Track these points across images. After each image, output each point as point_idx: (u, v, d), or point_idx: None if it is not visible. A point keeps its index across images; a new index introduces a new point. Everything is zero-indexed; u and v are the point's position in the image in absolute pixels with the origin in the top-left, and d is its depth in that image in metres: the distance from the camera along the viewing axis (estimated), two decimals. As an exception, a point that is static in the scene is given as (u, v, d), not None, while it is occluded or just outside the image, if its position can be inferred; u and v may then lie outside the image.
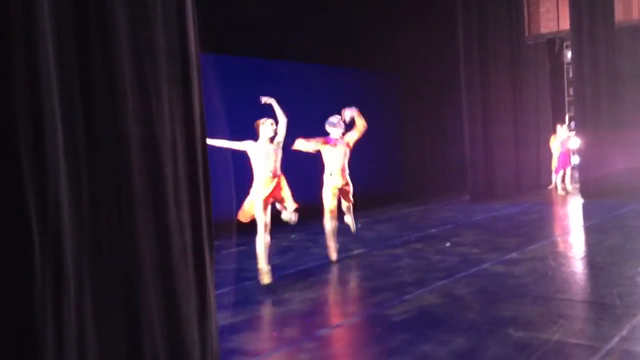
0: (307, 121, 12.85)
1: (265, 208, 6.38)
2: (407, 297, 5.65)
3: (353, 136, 7.63)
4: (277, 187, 6.45)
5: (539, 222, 10.03)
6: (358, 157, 14.21)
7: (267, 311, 5.43)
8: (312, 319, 5.14)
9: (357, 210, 11.86)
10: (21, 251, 2.09)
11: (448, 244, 8.08)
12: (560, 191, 13.65)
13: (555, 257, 7.16)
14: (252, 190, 6.45)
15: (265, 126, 6.58)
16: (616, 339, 4.23)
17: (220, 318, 4.74)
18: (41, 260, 2.12)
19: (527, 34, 14.32)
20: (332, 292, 5.98)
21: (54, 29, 2.32)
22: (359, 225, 10.34)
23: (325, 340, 4.60)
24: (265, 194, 6.35)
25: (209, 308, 2.88)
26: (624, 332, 4.34)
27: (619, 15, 13.07)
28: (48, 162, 2.22)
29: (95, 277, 2.43)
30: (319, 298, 5.79)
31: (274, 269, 7.19)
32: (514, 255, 7.16)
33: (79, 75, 2.41)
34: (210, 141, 5.41)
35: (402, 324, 4.88)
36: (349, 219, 7.81)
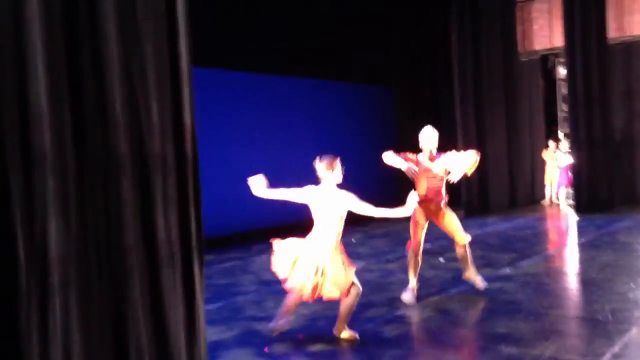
0: (300, 137, 12.93)
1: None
2: (399, 312, 5.63)
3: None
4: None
5: (532, 238, 10.03)
6: (353, 173, 14.30)
7: (258, 327, 5.39)
8: (304, 334, 5.11)
9: (352, 226, 11.87)
10: (6, 262, 2.08)
11: (442, 260, 8.06)
12: (563, 207, 13.52)
13: (548, 273, 7.16)
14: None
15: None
16: (608, 355, 4.22)
17: (210, 333, 4.72)
18: (27, 271, 2.11)
19: (520, 50, 14.42)
20: (324, 308, 5.95)
21: (45, 45, 2.32)
22: (354, 241, 10.34)
23: (316, 356, 4.58)
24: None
25: (198, 323, 2.86)
26: (616, 349, 4.33)
27: (611, 32, 13.20)
28: (35, 175, 2.22)
29: (82, 291, 2.42)
30: (311, 313, 5.75)
31: (266, 284, 7.16)
32: (507, 270, 7.15)
33: (69, 91, 2.41)
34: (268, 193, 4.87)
35: (394, 340, 4.86)
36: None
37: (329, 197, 4.79)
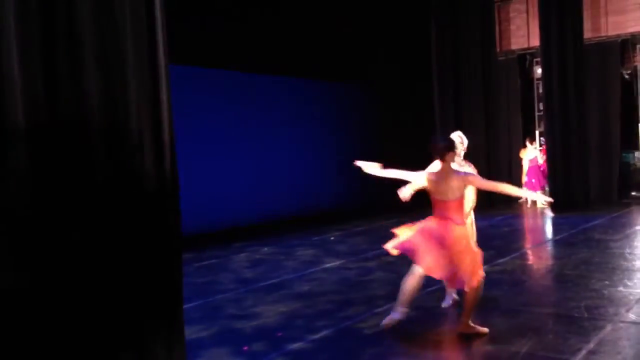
0: (280, 134, 12.90)
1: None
2: (378, 310, 5.65)
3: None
4: None
5: (509, 236, 10.14)
6: (334, 171, 14.33)
7: (237, 325, 5.37)
8: (282, 332, 5.10)
9: (331, 224, 11.93)
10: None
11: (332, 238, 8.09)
12: (540, 205, 13.75)
13: (524, 270, 7.23)
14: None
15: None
16: (583, 352, 4.28)
17: (189, 332, 4.68)
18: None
19: (498, 50, 14.55)
20: (303, 306, 5.94)
21: (20, 41, 2.28)
22: (332, 238, 10.36)
23: (295, 354, 4.57)
24: None
25: (176, 321, 2.84)
26: (591, 345, 4.39)
27: (587, 33, 13.38)
28: (14, 175, 2.18)
29: (58, 287, 2.38)
30: (289, 311, 5.75)
31: (245, 282, 7.13)
32: (484, 268, 7.20)
33: (45, 88, 2.37)
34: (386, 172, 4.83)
35: (373, 338, 4.87)
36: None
37: (448, 177, 4.71)
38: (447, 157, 4.76)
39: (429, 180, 4.81)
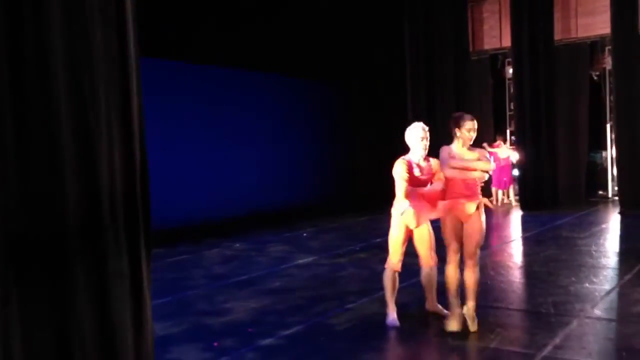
0: (251, 131, 12.85)
1: None
2: (350, 306, 5.67)
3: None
4: None
5: (480, 233, 10.25)
6: (307, 168, 14.33)
7: (207, 321, 5.34)
8: (254, 328, 5.09)
9: (304, 220, 11.92)
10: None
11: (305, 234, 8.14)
12: (506, 201, 14.13)
13: (493, 266, 7.33)
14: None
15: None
16: (550, 347, 4.36)
17: (159, 328, 4.65)
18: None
19: (471, 49, 14.69)
20: (274, 302, 5.94)
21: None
22: (305, 235, 10.36)
23: (267, 350, 4.57)
24: None
25: (145, 317, 2.81)
26: (557, 341, 4.48)
27: (558, 34, 13.60)
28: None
29: (23, 285, 2.34)
30: (261, 307, 5.74)
31: (216, 278, 7.10)
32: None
33: (10, 78, 2.32)
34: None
35: (345, 333, 4.89)
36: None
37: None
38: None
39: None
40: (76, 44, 2.51)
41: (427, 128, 5.06)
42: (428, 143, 5.04)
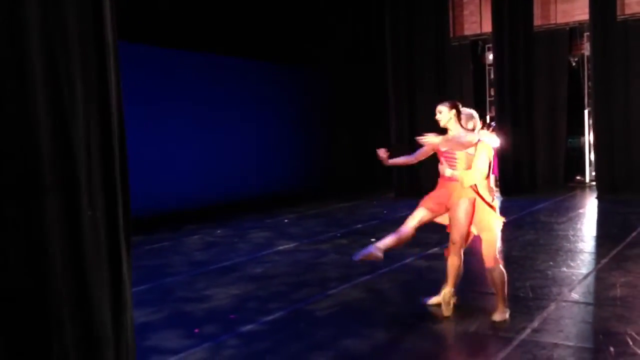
0: (233, 117, 12.77)
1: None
2: (331, 292, 5.69)
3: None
4: None
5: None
6: (287, 154, 14.29)
7: (188, 308, 5.33)
8: (235, 315, 5.09)
9: (285, 206, 11.92)
10: None
11: (373, 240, 8.19)
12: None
13: (473, 251, 7.39)
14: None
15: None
16: (528, 330, 4.42)
17: (139, 315, 4.62)
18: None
19: (451, 35, 14.71)
20: (256, 288, 5.94)
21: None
22: (286, 221, 10.36)
23: (248, 336, 4.57)
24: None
25: (125, 304, 2.78)
26: (535, 324, 4.54)
27: (537, 20, 13.67)
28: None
29: (1, 272, 2.31)
30: (242, 294, 5.73)
31: (197, 265, 7.07)
32: (435, 250, 7.35)
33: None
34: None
35: (326, 319, 4.91)
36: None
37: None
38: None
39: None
40: (50, 20, 2.45)
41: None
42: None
